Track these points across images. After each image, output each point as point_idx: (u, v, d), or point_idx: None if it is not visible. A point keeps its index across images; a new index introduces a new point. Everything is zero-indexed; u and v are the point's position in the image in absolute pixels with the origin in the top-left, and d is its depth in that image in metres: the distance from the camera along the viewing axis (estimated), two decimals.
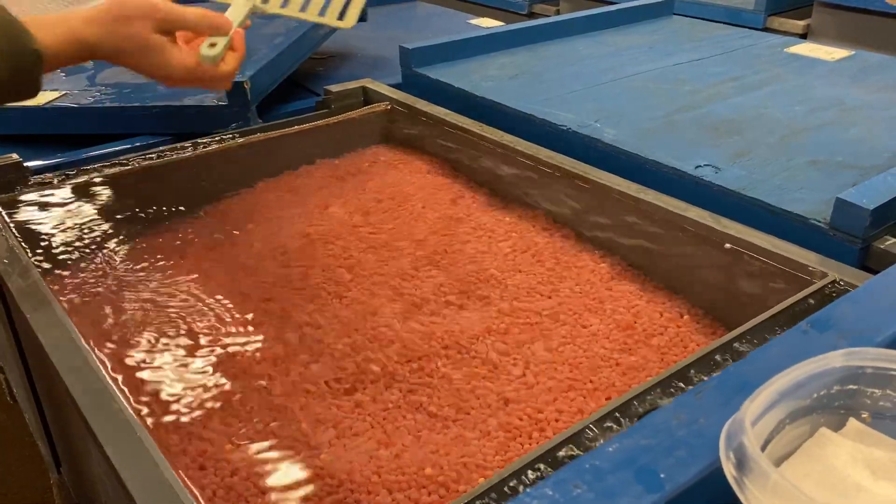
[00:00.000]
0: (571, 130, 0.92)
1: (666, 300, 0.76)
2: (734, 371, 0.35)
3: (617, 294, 0.78)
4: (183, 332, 0.72)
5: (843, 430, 0.37)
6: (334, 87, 1.03)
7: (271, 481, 0.58)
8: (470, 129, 0.95)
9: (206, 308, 0.75)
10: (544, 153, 0.89)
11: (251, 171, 0.94)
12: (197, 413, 0.64)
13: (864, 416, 0.37)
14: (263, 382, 0.67)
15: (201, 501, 0.55)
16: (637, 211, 0.80)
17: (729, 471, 0.29)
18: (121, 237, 0.85)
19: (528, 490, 0.31)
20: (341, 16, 0.76)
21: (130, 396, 0.64)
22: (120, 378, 0.66)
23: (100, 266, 0.81)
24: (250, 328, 0.73)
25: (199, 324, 0.73)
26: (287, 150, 0.97)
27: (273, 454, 0.61)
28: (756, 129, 0.92)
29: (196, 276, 0.79)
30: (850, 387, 0.36)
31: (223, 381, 0.67)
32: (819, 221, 0.72)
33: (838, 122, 0.93)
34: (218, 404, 0.65)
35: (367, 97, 1.06)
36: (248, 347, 0.70)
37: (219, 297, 0.76)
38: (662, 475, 0.31)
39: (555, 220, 0.89)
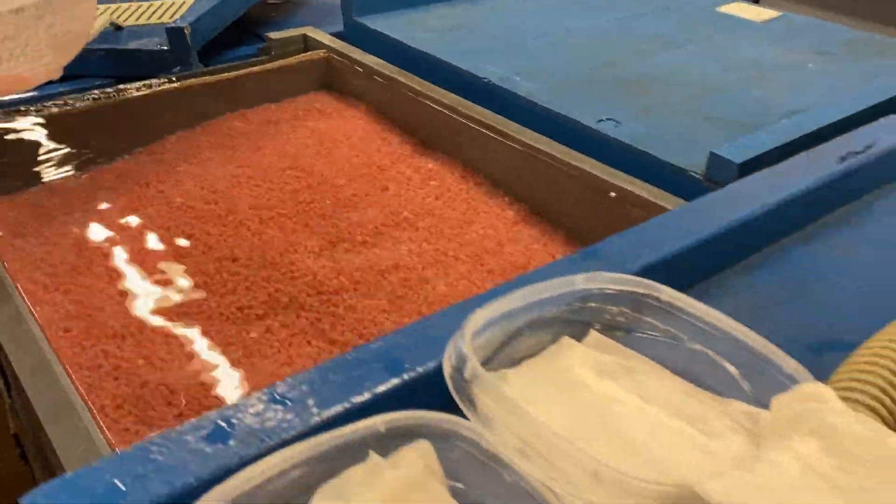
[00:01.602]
0: (491, 83, 0.97)
1: (562, 245, 0.83)
2: (499, 290, 0.41)
3: (518, 238, 0.84)
4: (109, 263, 0.78)
5: (585, 340, 0.44)
6: (275, 35, 1.08)
7: (180, 392, 0.65)
8: (398, 79, 1.00)
9: (133, 241, 0.81)
10: (464, 105, 0.94)
11: (189, 114, 0.99)
12: (116, 334, 0.70)
13: (603, 329, 0.44)
14: (182, 309, 0.74)
15: (108, 409, 0.62)
16: (539, 161, 0.86)
17: (447, 370, 0.35)
18: (58, 175, 0.91)
19: (292, 376, 0.38)
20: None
21: (49, 323, 0.70)
22: (41, 306, 0.72)
23: (35, 202, 0.87)
24: (174, 259, 0.79)
25: (125, 255, 0.79)
26: (225, 94, 1.02)
27: (185, 370, 0.68)
28: (667, 86, 0.98)
29: (127, 211, 0.85)
30: (591, 304, 0.43)
31: (143, 306, 0.74)
32: (696, 174, 0.78)
33: (747, 83, 0.99)
34: (137, 327, 0.72)
35: (308, 45, 1.10)
36: (169, 277, 0.77)
37: (147, 230, 0.83)
38: (406, 364, 0.39)
39: (473, 168, 0.95)
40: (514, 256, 0.81)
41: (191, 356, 0.69)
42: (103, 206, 0.86)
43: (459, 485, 0.35)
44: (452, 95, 0.96)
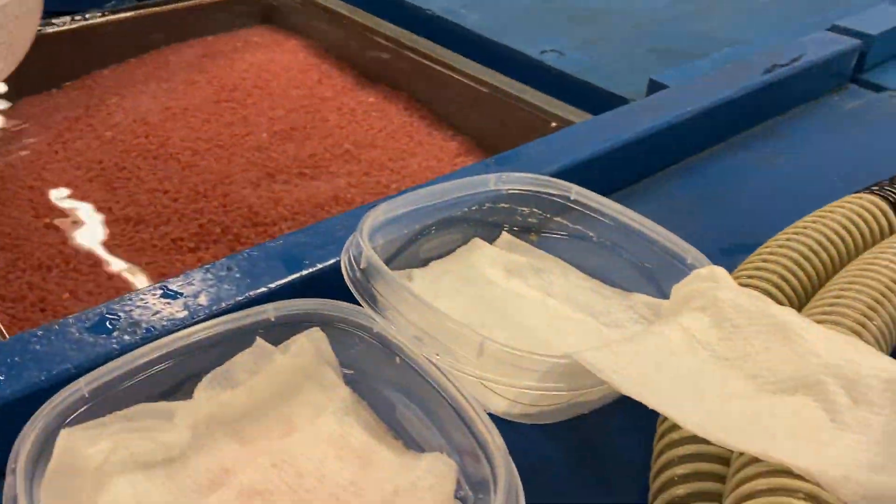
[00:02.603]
0: (435, 15, 0.95)
1: None
2: (407, 189, 0.41)
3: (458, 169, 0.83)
4: (37, 196, 0.76)
5: (497, 241, 0.44)
6: None
7: None
8: (340, 11, 0.97)
9: (60, 174, 0.78)
10: (407, 37, 0.92)
11: (122, 49, 0.95)
12: (42, 266, 0.69)
13: (515, 229, 0.44)
14: (112, 241, 0.72)
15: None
16: (483, 93, 0.85)
17: (344, 262, 0.35)
18: None
19: (187, 272, 0.37)
20: None
21: None
22: None
23: None
24: (104, 192, 0.77)
25: (53, 188, 0.77)
26: (161, 28, 0.98)
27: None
28: (614, 18, 0.96)
29: (56, 144, 0.82)
30: (503, 205, 0.42)
31: (73, 241, 0.72)
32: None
33: (693, 14, 0.98)
34: (63, 259, 0.70)
35: None
36: (100, 210, 0.75)
37: (75, 164, 0.80)
38: (306, 261, 0.38)
39: (417, 101, 0.93)
40: None
41: (119, 289, 0.68)
42: (30, 139, 0.83)
43: (352, 371, 0.34)
44: (395, 28, 0.94)
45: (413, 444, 0.32)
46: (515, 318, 0.37)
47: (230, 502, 0.29)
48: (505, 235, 0.44)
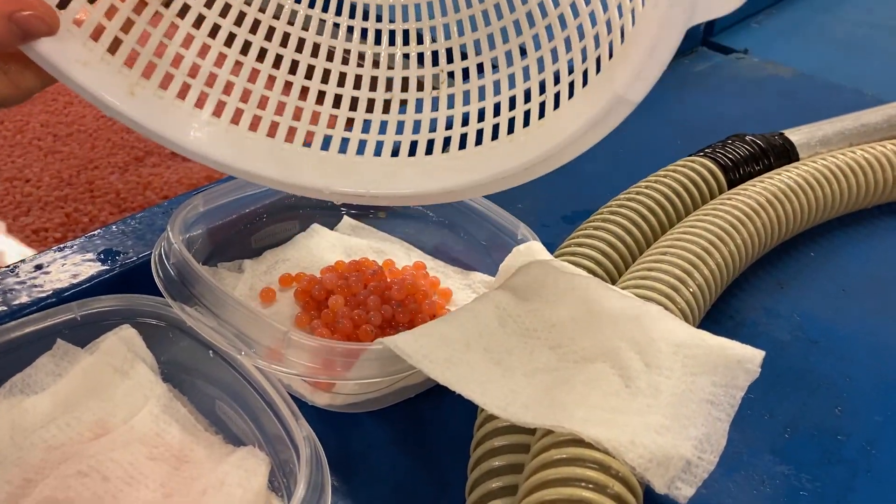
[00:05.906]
0: None
1: None
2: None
3: None
4: None
5: (339, 225, 0.43)
6: None
7: None
8: None
9: None
10: None
11: None
12: None
13: (353, 213, 0.43)
14: None
15: None
16: None
17: (154, 260, 0.33)
18: None
19: None
20: None
21: None
22: None
23: None
24: None
25: None
26: None
27: None
28: None
29: None
30: None
31: None
32: None
33: None
34: None
35: None
36: None
37: None
38: (124, 255, 0.37)
39: None
40: None
41: None
42: None
43: (169, 367, 0.33)
44: None
45: (231, 438, 0.32)
46: None
47: None
48: (346, 219, 0.43)
